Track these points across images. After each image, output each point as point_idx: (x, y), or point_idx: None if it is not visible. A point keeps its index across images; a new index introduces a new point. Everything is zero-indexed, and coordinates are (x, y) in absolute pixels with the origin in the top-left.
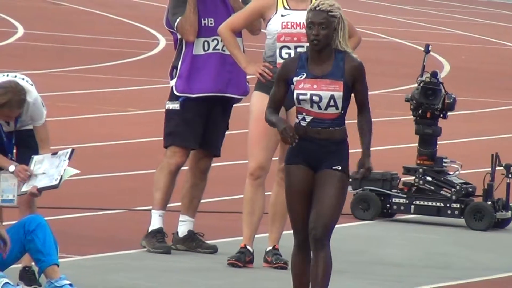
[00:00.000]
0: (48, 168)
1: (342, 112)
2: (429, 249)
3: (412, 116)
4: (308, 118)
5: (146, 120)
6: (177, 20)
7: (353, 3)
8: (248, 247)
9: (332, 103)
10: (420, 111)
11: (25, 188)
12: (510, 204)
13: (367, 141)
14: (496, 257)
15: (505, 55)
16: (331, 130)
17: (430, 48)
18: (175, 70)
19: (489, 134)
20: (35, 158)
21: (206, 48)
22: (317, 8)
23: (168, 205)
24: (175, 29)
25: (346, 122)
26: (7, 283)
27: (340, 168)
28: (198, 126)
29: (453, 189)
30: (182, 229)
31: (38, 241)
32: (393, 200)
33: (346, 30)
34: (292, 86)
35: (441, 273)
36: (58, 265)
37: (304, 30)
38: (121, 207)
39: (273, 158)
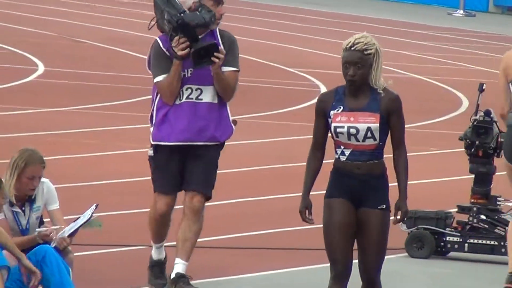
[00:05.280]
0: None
1: (381, 143)
2: (448, 284)
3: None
4: (347, 152)
5: None
6: (160, 79)
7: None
8: None
9: (369, 134)
10: (472, 150)
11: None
12: None
13: (403, 182)
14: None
15: None
16: (370, 163)
17: (484, 87)
18: (153, 118)
19: None
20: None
21: (180, 98)
22: (352, 48)
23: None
24: (154, 82)
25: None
26: None
27: (384, 207)
28: (173, 169)
29: (507, 228)
30: (173, 271)
31: (48, 270)
32: (447, 238)
33: (381, 65)
34: (330, 120)
35: None
36: None
37: None
38: (142, 243)
39: None
